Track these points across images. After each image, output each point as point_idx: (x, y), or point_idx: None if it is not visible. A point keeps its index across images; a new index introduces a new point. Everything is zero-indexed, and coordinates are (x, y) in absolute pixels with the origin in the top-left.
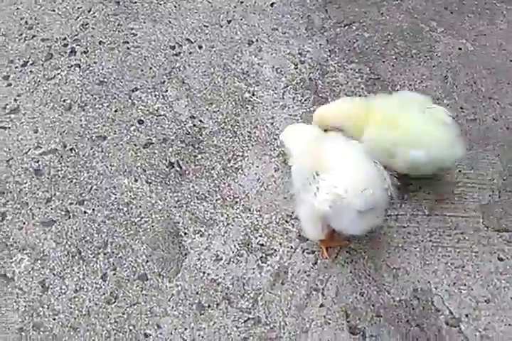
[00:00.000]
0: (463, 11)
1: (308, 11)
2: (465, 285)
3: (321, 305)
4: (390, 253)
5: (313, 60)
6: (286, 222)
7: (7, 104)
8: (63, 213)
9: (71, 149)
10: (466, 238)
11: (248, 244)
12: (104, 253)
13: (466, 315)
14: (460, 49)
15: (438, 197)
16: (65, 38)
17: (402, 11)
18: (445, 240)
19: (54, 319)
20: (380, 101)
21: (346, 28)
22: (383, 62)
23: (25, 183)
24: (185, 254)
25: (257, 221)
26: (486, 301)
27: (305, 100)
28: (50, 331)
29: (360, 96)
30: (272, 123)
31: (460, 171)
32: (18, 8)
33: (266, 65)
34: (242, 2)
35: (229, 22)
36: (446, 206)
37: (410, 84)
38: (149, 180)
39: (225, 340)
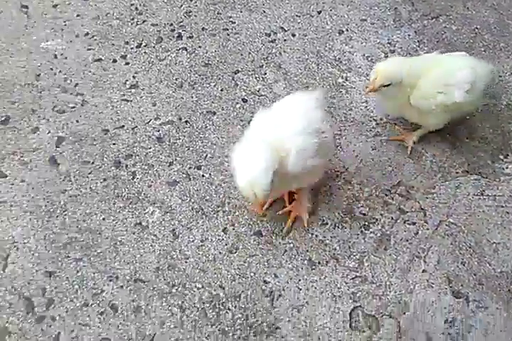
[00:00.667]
0: None
1: (395, 4)
2: None
3: (424, 271)
4: (489, 229)
5: (403, 49)
6: (386, 195)
7: (127, 80)
8: (184, 176)
9: (186, 121)
10: None
11: (351, 213)
12: (223, 211)
13: None
14: None
15: None
16: (171, 24)
17: (487, 7)
18: None
19: (185, 262)
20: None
21: (433, 20)
22: (472, 53)
23: (150, 148)
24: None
25: (358, 193)
26: None
27: None
28: (183, 271)
29: None
30: (365, 107)
31: None
32: None
33: (357, 53)
34: None
35: (319, 12)
36: None
37: (500, 76)
38: None
39: (336, 292)
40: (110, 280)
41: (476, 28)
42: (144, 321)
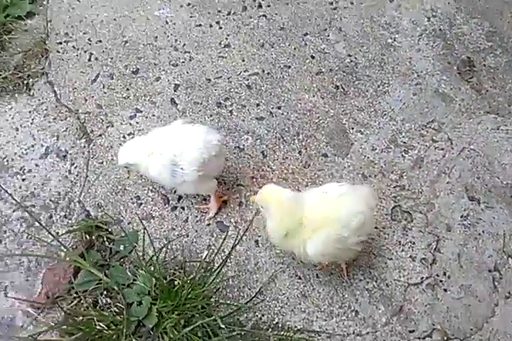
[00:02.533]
0: None
1: None
2: None
3: (448, 182)
4: (500, 153)
5: (443, 14)
6: (422, 129)
7: (221, 41)
8: (268, 113)
9: (268, 73)
10: None
11: (394, 141)
12: (298, 139)
13: None
14: None
15: None
16: None
17: None
18: None
19: (272, 173)
20: None
21: None
22: (500, 19)
23: (242, 93)
24: (351, 144)
25: (401, 127)
26: None
27: (436, 45)
28: (270, 179)
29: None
30: (410, 62)
31: None
32: None
33: (404, 17)
34: None
35: None
36: None
37: None
38: (322, 96)
39: (381, 196)
40: (219, 184)
41: None
42: (245, 211)
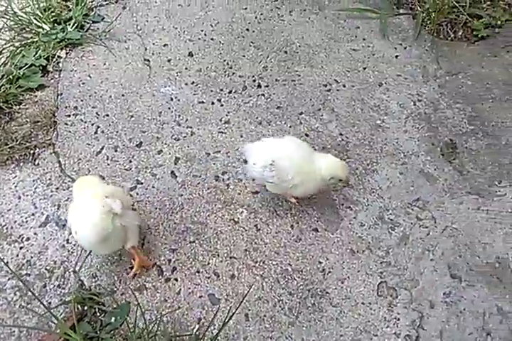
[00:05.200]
0: None
1: (424, 63)
2: None
3: (431, 260)
4: (481, 233)
5: (428, 99)
6: (408, 207)
7: (222, 118)
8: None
9: None
10: None
11: (382, 218)
12: (290, 213)
13: None
14: None
15: None
16: (253, 76)
17: (499, 66)
18: None
19: (265, 246)
20: None
21: (454, 76)
22: (482, 104)
23: (239, 167)
24: (341, 219)
25: (388, 204)
26: None
27: (421, 128)
28: (263, 253)
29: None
30: (397, 142)
31: None
32: (220, 53)
33: (392, 101)
34: (373, 54)
35: (364, 69)
36: None
37: (502, 122)
38: None
39: (368, 271)
40: (213, 256)
41: (488, 83)
42: (237, 284)
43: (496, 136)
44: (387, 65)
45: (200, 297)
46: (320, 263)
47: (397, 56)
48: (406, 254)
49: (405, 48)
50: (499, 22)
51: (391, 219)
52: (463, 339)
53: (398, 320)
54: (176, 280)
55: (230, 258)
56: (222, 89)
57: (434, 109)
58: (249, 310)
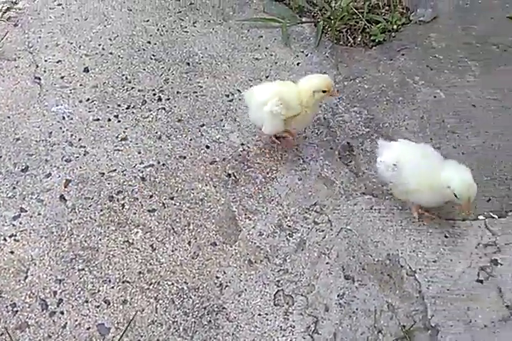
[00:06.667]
0: (441, 67)
1: (324, 69)
2: (420, 252)
3: (327, 263)
4: (373, 232)
5: (327, 104)
6: (306, 212)
7: (119, 134)
8: (160, 205)
9: (163, 164)
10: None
11: (280, 225)
12: (188, 230)
13: (420, 269)
14: (435, 97)
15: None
16: (153, 89)
17: (394, 69)
18: (410, 225)
19: (160, 266)
20: None
21: (352, 81)
22: (377, 106)
23: (135, 186)
24: (240, 231)
25: (286, 211)
26: (433, 261)
27: (320, 133)
28: (158, 273)
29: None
30: (297, 149)
31: None
32: (119, 67)
33: None
34: (276, 63)
35: (267, 77)
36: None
37: (395, 122)
38: (215, 185)
39: (266, 281)
40: (104, 283)
41: (383, 86)
42: (129, 309)
43: (389, 136)
44: (289, 73)
45: (88, 328)
46: (217, 278)
47: (298, 63)
48: (303, 260)
49: (307, 55)
50: (395, 26)
51: (289, 226)
52: (355, 339)
53: (293, 327)
54: (62, 313)
55: (123, 282)
56: (119, 105)
57: (332, 114)
58: (142, 335)
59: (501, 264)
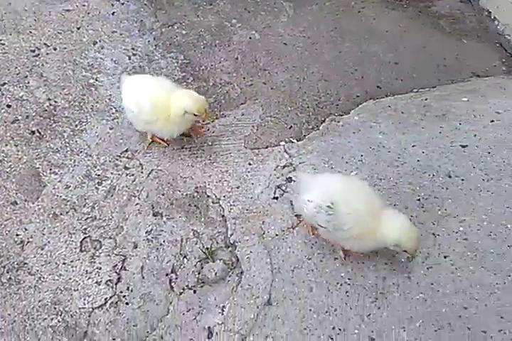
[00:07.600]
0: (257, 10)
1: (142, 17)
2: (226, 180)
3: (137, 204)
4: (182, 169)
5: (143, 52)
6: (116, 160)
7: None
8: None
9: None
10: (231, 155)
11: (88, 176)
12: None
13: (224, 196)
14: (250, 38)
15: None
16: None
17: (212, 13)
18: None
19: None
20: None
21: (169, 28)
22: (194, 51)
23: None
24: (44, 186)
25: (96, 161)
26: (236, 187)
27: None
28: None
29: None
30: (109, 99)
31: None
32: None
33: (107, 58)
34: (89, 13)
35: (78, 28)
36: None
37: (211, 65)
38: (16, 144)
39: (72, 231)
40: None
41: (201, 30)
42: None
43: (205, 79)
44: (103, 23)
45: None
46: (17, 235)
47: (113, 13)
48: (111, 205)
49: (123, 4)
50: None
51: (98, 175)
52: (161, 268)
53: (100, 269)
54: None
55: None
56: None
57: (148, 61)
58: None
59: (294, 181)
